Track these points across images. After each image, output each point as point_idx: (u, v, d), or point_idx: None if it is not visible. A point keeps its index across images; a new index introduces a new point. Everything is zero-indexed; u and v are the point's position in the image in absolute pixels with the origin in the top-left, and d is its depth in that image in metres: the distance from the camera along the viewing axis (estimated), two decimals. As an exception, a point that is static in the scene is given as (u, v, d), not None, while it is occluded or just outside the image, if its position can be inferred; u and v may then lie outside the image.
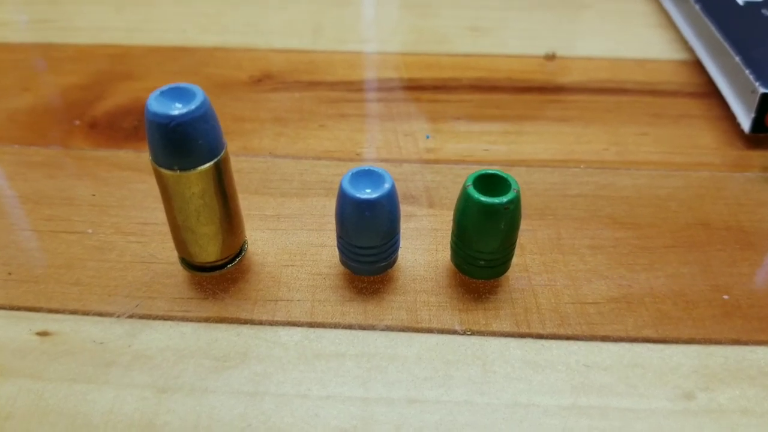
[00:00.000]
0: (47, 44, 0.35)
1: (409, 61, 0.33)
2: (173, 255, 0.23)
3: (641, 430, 0.18)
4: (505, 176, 0.20)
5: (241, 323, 0.21)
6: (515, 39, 0.35)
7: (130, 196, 0.25)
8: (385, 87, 0.31)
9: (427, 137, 0.28)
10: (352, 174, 0.20)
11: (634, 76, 0.32)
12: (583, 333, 0.21)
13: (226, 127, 0.29)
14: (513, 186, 0.20)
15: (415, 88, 0.31)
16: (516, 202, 0.20)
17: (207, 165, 0.19)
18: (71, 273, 0.22)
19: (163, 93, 0.18)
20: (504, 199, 0.19)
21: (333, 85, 0.31)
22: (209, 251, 0.21)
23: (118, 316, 0.21)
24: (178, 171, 0.19)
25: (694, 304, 0.21)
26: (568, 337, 0.20)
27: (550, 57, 0.33)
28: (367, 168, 0.20)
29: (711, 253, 0.23)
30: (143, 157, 0.27)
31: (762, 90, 0.26)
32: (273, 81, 0.32)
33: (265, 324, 0.21)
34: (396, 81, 0.32)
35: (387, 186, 0.20)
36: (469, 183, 0.20)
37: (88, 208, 0.25)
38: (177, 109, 0.18)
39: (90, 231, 0.24)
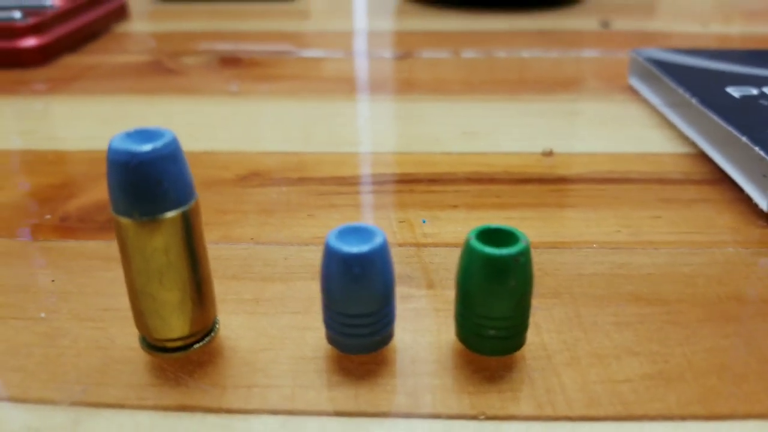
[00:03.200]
0: (27, 150, 0.33)
1: (402, 159, 0.32)
2: (136, 340, 0.20)
3: None
4: (512, 230, 0.18)
5: (206, 411, 0.17)
6: (510, 141, 0.34)
7: (93, 283, 0.23)
8: (377, 181, 0.30)
9: (424, 222, 0.26)
10: (339, 231, 0.18)
11: (637, 167, 0.31)
12: (618, 414, 0.17)
13: (205, 219, 0.27)
14: (522, 238, 0.17)
15: (409, 181, 0.30)
16: (527, 255, 0.17)
17: (173, 213, 0.17)
18: (14, 359, 0.19)
19: (129, 135, 0.17)
20: (513, 249, 0.17)
21: (323, 180, 0.30)
22: (172, 325, 0.18)
23: (59, 403, 0.17)
24: (138, 218, 0.16)
25: (743, 377, 0.18)
26: (600, 419, 0.17)
27: (548, 153, 0.32)
28: (355, 225, 0.18)
29: (752, 325, 0.20)
30: (113, 246, 0.25)
31: (778, 162, 0.25)
32: (260, 178, 0.30)
33: (235, 412, 0.17)
34: (389, 176, 0.30)
35: (378, 240, 0.17)
36: (472, 236, 0.18)
37: (45, 295, 0.22)
38: (141, 147, 0.16)
39: (43, 315, 0.21)
